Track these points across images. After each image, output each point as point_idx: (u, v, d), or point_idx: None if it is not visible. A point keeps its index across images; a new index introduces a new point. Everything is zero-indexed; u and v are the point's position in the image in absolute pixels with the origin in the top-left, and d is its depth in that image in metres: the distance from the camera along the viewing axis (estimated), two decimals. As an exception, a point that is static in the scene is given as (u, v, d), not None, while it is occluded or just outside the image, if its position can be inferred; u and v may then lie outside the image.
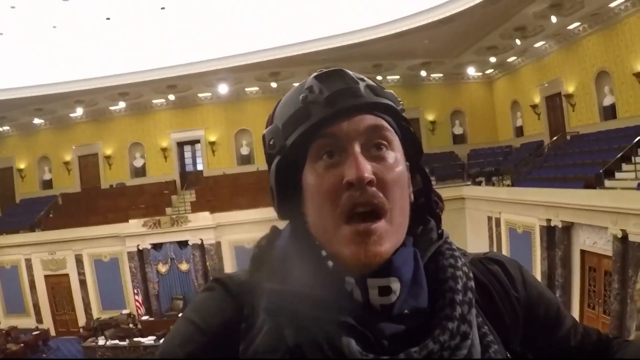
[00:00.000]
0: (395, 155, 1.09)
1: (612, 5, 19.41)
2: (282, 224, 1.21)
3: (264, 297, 1.04)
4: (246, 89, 30.40)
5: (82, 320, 25.83)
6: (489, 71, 30.09)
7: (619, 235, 14.67)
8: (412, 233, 1.13)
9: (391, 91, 1.16)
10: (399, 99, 1.17)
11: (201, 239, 25.43)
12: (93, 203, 28.99)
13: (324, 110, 1.05)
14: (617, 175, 17.83)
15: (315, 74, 1.11)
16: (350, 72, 1.11)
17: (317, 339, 0.97)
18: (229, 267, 25.71)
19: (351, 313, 0.99)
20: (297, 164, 1.11)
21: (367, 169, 1.02)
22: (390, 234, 1.04)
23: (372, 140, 1.07)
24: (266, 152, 1.16)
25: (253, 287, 1.10)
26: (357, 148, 1.04)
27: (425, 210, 1.19)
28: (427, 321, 1.03)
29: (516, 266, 1.29)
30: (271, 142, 1.13)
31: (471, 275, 1.13)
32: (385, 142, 1.08)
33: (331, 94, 1.06)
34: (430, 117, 31.02)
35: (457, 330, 1.01)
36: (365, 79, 1.12)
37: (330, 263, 1.05)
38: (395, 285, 1.02)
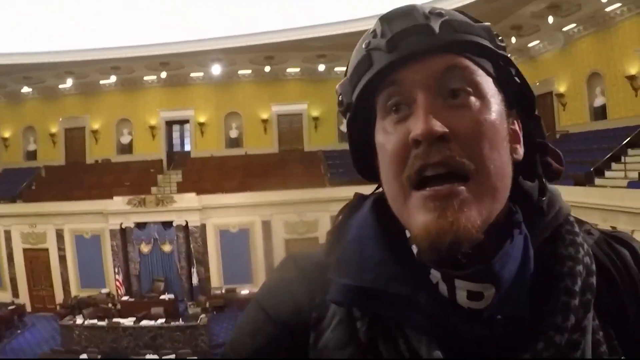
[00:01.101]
0: (483, 102, 0.87)
1: (608, 9, 19.98)
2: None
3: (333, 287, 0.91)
4: (239, 72, 30.24)
5: (59, 297, 25.43)
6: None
7: (609, 231, 15.08)
8: (522, 208, 0.92)
9: (485, 24, 0.93)
10: (496, 34, 0.93)
11: (186, 221, 25.35)
12: (77, 177, 28.63)
13: (386, 55, 0.87)
14: (607, 174, 18.48)
15: (383, 14, 0.93)
16: (426, 7, 0.90)
17: (394, 335, 0.86)
18: (213, 250, 25.76)
19: (433, 309, 0.84)
20: (368, 122, 0.95)
21: (437, 120, 0.82)
22: (478, 201, 0.83)
23: (448, 85, 0.86)
24: (339, 109, 0.99)
25: (326, 271, 0.94)
26: (423, 96, 0.85)
27: (534, 173, 0.98)
28: (527, 324, 0.85)
29: None
30: (340, 99, 0.97)
31: (594, 268, 0.91)
32: (467, 87, 0.87)
33: (393, 35, 0.87)
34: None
35: (566, 342, 0.83)
36: (447, 12, 0.90)
37: (414, 249, 0.88)
38: (489, 292, 0.83)
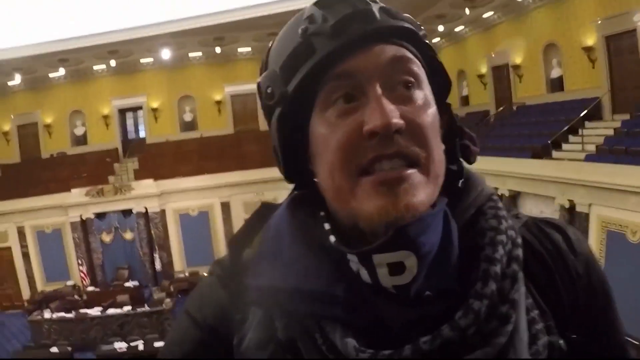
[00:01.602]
0: (425, 94, 0.89)
1: (563, -22, 19.43)
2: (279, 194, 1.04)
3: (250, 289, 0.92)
4: (189, 54, 30.07)
5: (26, 294, 25.43)
6: (435, 40, 29.84)
7: (566, 205, 15.02)
8: (444, 189, 0.92)
9: (408, 15, 0.95)
10: (418, 23, 0.96)
11: (145, 207, 25.43)
12: (34, 173, 28.34)
13: (330, 42, 0.85)
14: (565, 146, 18.15)
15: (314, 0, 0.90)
16: None
17: (311, 332, 0.85)
18: (174, 235, 25.91)
19: (355, 299, 0.84)
20: (303, 113, 0.91)
21: (394, 113, 0.82)
22: (426, 185, 0.84)
23: (397, 76, 0.87)
24: (263, 104, 0.96)
25: (239, 275, 0.95)
26: (378, 88, 0.84)
27: (455, 157, 0.98)
28: (459, 300, 0.83)
29: (582, 240, 1.02)
30: (269, 91, 0.92)
31: (519, 241, 0.91)
32: (413, 78, 0.88)
33: (338, 20, 0.85)
34: (376, 84, 30.97)
35: (488, 310, 0.81)
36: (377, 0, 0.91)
37: (332, 238, 0.87)
38: (410, 261, 0.80)
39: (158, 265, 25.09)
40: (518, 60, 23.60)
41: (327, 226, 0.89)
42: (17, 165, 30.30)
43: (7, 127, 30.84)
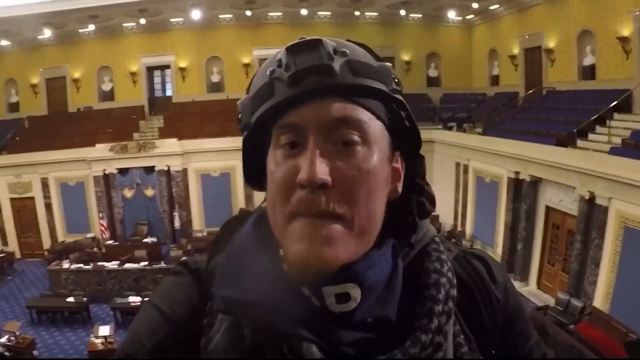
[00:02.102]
0: (369, 151, 0.93)
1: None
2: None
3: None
4: (220, 16, 29.91)
5: (47, 244, 25.98)
6: (469, 16, 29.68)
7: (586, 196, 14.97)
8: (395, 228, 1.02)
9: (386, 64, 0.99)
10: (394, 76, 1.00)
11: (168, 166, 25.61)
12: (60, 126, 28.62)
13: (286, 90, 0.91)
14: (590, 136, 17.96)
15: (290, 43, 0.94)
16: (331, 43, 0.94)
17: (276, 340, 0.91)
18: (195, 195, 26.10)
19: (308, 319, 0.90)
20: (262, 144, 0.99)
21: (322, 169, 0.87)
22: (348, 240, 0.90)
23: (340, 134, 0.91)
24: (237, 125, 1.03)
25: (213, 281, 1.00)
26: (314, 142, 0.90)
27: (408, 210, 1.05)
28: (398, 329, 0.95)
29: (501, 269, 1.18)
30: (239, 116, 1.01)
31: (455, 281, 1.03)
32: (357, 138, 0.92)
33: (296, 71, 0.91)
34: (406, 57, 30.81)
35: (430, 342, 0.94)
36: (352, 51, 0.96)
37: (285, 267, 0.94)
38: (355, 292, 0.90)
39: (177, 224, 25.39)
40: (551, 44, 23.24)
41: (281, 252, 0.95)
42: (43, 117, 30.55)
43: (35, 80, 31.09)
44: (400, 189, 1.02)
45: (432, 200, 1.08)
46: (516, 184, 18.85)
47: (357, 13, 29.04)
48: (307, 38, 0.93)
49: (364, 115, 0.93)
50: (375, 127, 0.95)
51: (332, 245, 0.87)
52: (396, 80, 1.00)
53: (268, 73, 0.94)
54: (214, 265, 1.04)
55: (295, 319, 0.89)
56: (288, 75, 0.91)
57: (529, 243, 18.42)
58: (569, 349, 12.46)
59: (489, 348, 1.09)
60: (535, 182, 17.92)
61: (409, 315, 0.97)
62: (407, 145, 1.02)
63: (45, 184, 26.01)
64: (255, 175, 1.04)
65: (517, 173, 18.57)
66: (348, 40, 1.00)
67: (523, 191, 18.54)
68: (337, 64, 0.91)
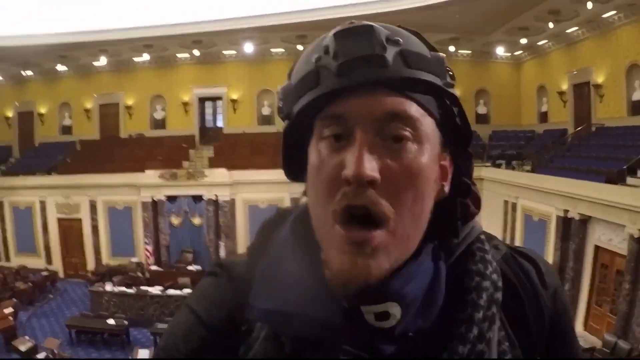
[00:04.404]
0: (420, 148, 0.87)
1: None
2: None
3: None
4: (271, 50, 30.16)
5: (91, 265, 26.32)
6: (518, 52, 29.48)
7: (636, 234, 14.65)
8: (438, 231, 0.96)
9: (440, 55, 0.93)
10: (448, 69, 0.93)
11: (216, 195, 25.68)
12: (111, 151, 29.11)
13: (334, 80, 0.85)
14: None
15: (338, 28, 0.87)
16: (384, 30, 0.87)
17: (317, 350, 0.89)
18: (242, 225, 26.01)
19: (347, 331, 0.86)
20: (304, 135, 0.93)
21: (370, 165, 0.82)
22: (391, 247, 0.85)
23: (390, 129, 0.86)
24: (278, 113, 0.98)
25: (251, 287, 0.96)
26: (362, 136, 0.84)
27: (453, 213, 0.99)
28: (439, 336, 0.90)
29: (552, 273, 1.09)
30: (280, 104, 0.95)
31: (500, 284, 0.97)
32: (408, 134, 0.86)
33: (345, 61, 0.84)
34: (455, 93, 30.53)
35: (470, 351, 0.89)
36: (404, 39, 0.88)
37: (327, 272, 0.89)
38: (395, 310, 0.85)
39: (222, 253, 25.27)
40: (600, 79, 22.82)
41: (323, 256, 0.90)
42: (96, 142, 31.20)
43: (89, 105, 31.90)
44: (447, 189, 0.96)
45: (477, 202, 1.03)
46: (565, 222, 18.41)
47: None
48: (357, 23, 0.87)
49: (417, 111, 0.88)
50: (427, 123, 0.89)
51: (377, 257, 0.83)
52: (450, 73, 0.94)
53: (314, 60, 0.88)
54: (251, 270, 0.99)
55: (335, 331, 0.86)
56: (337, 65, 0.84)
57: (577, 283, 17.94)
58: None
59: (534, 353, 1.02)
60: (584, 221, 17.48)
61: (449, 321, 0.91)
62: (456, 142, 0.96)
63: (93, 207, 26.47)
64: (294, 167, 0.97)
65: (566, 211, 18.14)
66: (399, 27, 0.93)
67: (572, 230, 18.05)
68: (389, 54, 0.85)
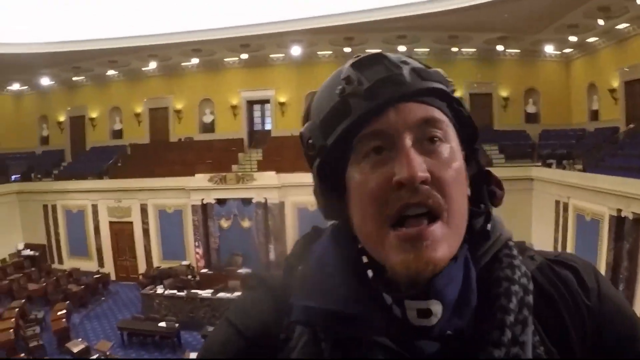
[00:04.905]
0: (451, 148, 0.96)
1: None
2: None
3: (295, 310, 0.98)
4: (319, 52, 30.08)
5: (142, 268, 26.67)
6: (567, 50, 28.82)
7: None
8: (467, 233, 0.99)
9: (438, 70, 1.01)
10: (448, 78, 1.02)
11: (265, 198, 25.67)
12: (161, 155, 29.50)
13: (365, 103, 0.93)
14: None
15: (351, 61, 0.99)
16: (391, 56, 0.98)
17: (357, 351, 0.92)
18: (291, 227, 25.93)
19: (388, 329, 0.91)
20: (340, 163, 0.98)
21: (421, 166, 0.89)
22: (448, 237, 0.91)
23: (425, 133, 0.93)
24: (305, 152, 1.04)
25: (290, 294, 1.00)
26: (408, 142, 0.91)
27: (479, 202, 1.04)
28: (473, 341, 0.93)
29: (592, 273, 1.10)
30: (310, 142, 1.01)
31: (531, 287, 1.00)
32: (439, 135, 0.94)
33: (372, 84, 0.93)
34: (504, 93, 30.13)
35: (505, 355, 0.91)
36: (408, 60, 0.99)
37: (370, 272, 0.95)
38: (436, 308, 0.90)
39: (272, 255, 25.37)
40: (652, 76, 22.13)
41: (365, 259, 0.96)
42: (145, 145, 31.66)
43: (139, 109, 32.38)
44: (468, 189, 1.01)
45: (500, 186, 1.07)
46: (618, 222, 17.95)
47: (454, 49, 28.73)
48: (367, 54, 0.98)
49: (440, 115, 0.96)
50: (449, 126, 0.98)
51: (437, 248, 0.88)
52: (450, 80, 1.02)
53: (338, 92, 0.96)
54: (289, 277, 1.04)
55: (377, 328, 0.91)
56: (364, 89, 0.93)
57: (632, 283, 17.57)
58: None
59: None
60: (638, 220, 17.17)
61: (481, 325, 0.94)
62: (467, 140, 1.03)
63: (144, 210, 26.82)
64: (331, 203, 1.03)
65: (619, 211, 17.76)
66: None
67: (625, 229, 17.61)
68: (405, 72, 0.95)
